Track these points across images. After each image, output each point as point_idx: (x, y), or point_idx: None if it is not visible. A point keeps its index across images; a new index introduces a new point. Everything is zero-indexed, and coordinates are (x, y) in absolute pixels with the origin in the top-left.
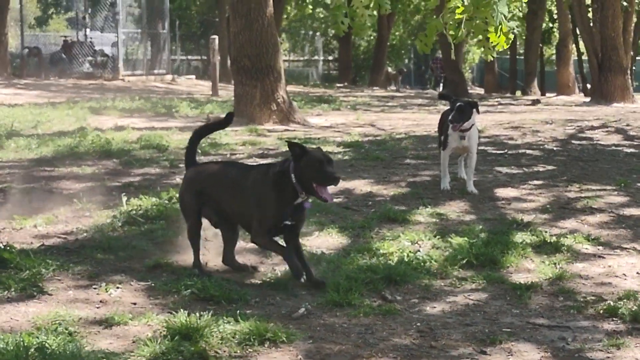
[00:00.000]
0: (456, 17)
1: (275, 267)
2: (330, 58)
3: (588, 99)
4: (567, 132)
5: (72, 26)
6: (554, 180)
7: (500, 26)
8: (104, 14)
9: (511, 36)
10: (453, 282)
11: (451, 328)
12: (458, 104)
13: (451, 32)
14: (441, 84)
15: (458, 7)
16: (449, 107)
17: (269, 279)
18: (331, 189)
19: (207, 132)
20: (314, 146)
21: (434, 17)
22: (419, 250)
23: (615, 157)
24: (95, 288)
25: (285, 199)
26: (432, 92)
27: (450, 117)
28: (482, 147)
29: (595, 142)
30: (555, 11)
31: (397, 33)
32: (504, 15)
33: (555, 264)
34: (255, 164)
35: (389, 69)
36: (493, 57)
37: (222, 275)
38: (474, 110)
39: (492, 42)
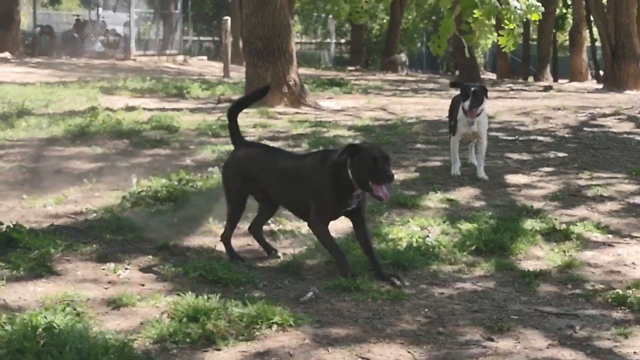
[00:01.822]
0: (474, 20)
1: (284, 250)
2: (343, 41)
3: (601, 86)
4: (578, 119)
5: (84, 5)
6: (564, 168)
7: (512, 29)
8: None
9: (518, 39)
10: (462, 268)
11: (459, 314)
12: (473, 89)
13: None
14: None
15: (475, 11)
16: (459, 93)
17: (277, 262)
18: None
19: (243, 106)
20: (324, 129)
21: (446, 17)
22: (428, 236)
23: (626, 145)
24: (103, 269)
25: (342, 192)
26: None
27: (468, 103)
28: (493, 133)
29: (607, 129)
30: None
31: (409, 17)
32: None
33: (564, 251)
34: (305, 153)
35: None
36: (510, 50)
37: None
38: (485, 95)
39: (500, 44)
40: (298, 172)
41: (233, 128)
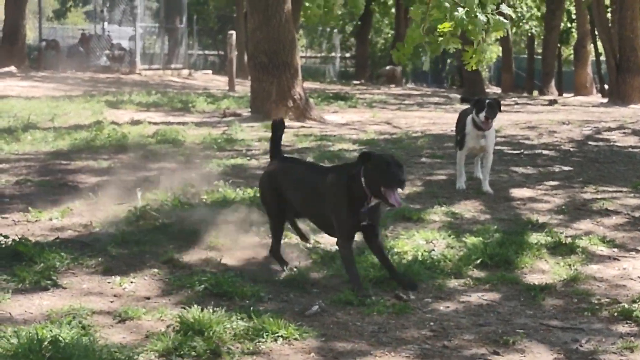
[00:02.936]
0: (442, 31)
1: (291, 263)
2: (348, 55)
3: (605, 100)
4: (583, 133)
5: (90, 19)
6: (569, 181)
7: (478, 46)
8: (122, 7)
9: (485, 57)
10: (467, 282)
11: (464, 328)
12: (488, 101)
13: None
14: None
15: (443, 22)
16: (467, 107)
17: (283, 275)
18: None
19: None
20: (330, 143)
21: (414, 27)
22: (433, 250)
23: (631, 159)
24: (109, 282)
25: (356, 202)
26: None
27: (484, 114)
28: (498, 147)
29: (612, 143)
30: (574, 11)
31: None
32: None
33: (569, 265)
34: (329, 165)
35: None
36: (473, 68)
37: (236, 271)
38: (499, 108)
39: (462, 59)
40: (318, 187)
41: (275, 141)
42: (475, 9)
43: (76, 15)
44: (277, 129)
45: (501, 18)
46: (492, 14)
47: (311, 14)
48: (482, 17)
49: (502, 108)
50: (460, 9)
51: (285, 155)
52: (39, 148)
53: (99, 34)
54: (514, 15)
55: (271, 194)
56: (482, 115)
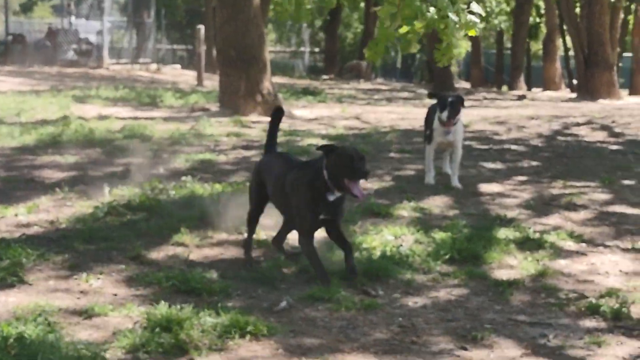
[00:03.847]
0: (414, 30)
1: (257, 260)
2: (317, 50)
3: (574, 95)
4: (552, 128)
5: (57, 13)
6: (538, 176)
7: (449, 44)
8: (90, 1)
9: (456, 52)
10: (435, 278)
11: (432, 323)
12: (450, 99)
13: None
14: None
15: (415, 21)
16: (435, 102)
17: (251, 271)
18: None
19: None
20: (298, 138)
21: (384, 25)
22: (401, 245)
23: (600, 154)
24: (76, 278)
25: (318, 196)
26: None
27: (446, 114)
28: (467, 142)
29: (580, 138)
30: (543, 6)
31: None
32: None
33: (538, 260)
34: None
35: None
36: (444, 65)
37: (203, 267)
38: (462, 105)
39: (434, 57)
40: (285, 182)
41: (271, 133)
42: (446, 9)
43: (43, 9)
44: (275, 119)
45: (472, 17)
46: (463, 13)
47: (282, 9)
48: (453, 17)
49: (471, 103)
50: (431, 9)
51: (277, 150)
52: (4, 143)
53: (66, 28)
54: (484, 14)
55: (255, 185)
56: (444, 114)
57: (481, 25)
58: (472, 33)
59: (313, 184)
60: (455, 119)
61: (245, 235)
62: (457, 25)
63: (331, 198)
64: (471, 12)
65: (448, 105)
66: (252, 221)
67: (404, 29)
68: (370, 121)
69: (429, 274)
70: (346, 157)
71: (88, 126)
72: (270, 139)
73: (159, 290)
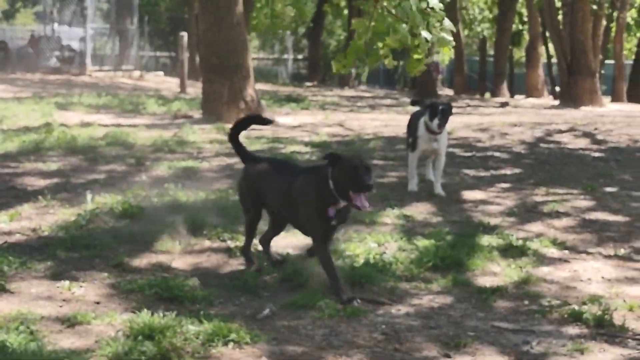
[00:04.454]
0: (385, 46)
1: (241, 267)
2: (300, 57)
3: (557, 102)
4: (535, 135)
5: (39, 20)
6: (521, 184)
7: (419, 56)
8: (72, 8)
9: (422, 66)
10: (418, 285)
11: (416, 331)
12: (441, 107)
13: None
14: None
15: (387, 37)
16: (418, 109)
17: (234, 279)
18: None
19: (241, 128)
20: (281, 145)
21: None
22: (385, 252)
23: (582, 161)
24: (58, 286)
25: (324, 205)
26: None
27: (437, 122)
28: (450, 149)
29: (563, 145)
30: (526, 13)
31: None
32: (427, 40)
33: (520, 267)
34: (306, 166)
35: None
36: (415, 75)
37: (186, 275)
38: (451, 113)
39: (407, 70)
40: (291, 189)
41: (238, 148)
42: (418, 27)
43: (25, 16)
44: (233, 138)
45: (445, 35)
46: (435, 30)
47: (258, 22)
48: (425, 35)
49: (454, 110)
50: (404, 25)
51: (256, 155)
52: None
53: (48, 35)
54: (455, 30)
55: (249, 195)
56: (435, 122)
57: (453, 43)
58: (445, 51)
59: (321, 192)
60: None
61: (243, 242)
62: (429, 42)
63: (337, 208)
64: (443, 30)
65: (439, 113)
66: (251, 228)
67: (376, 45)
68: (353, 128)
69: (412, 281)
70: (351, 168)
71: (70, 133)
72: (243, 151)
73: (142, 298)
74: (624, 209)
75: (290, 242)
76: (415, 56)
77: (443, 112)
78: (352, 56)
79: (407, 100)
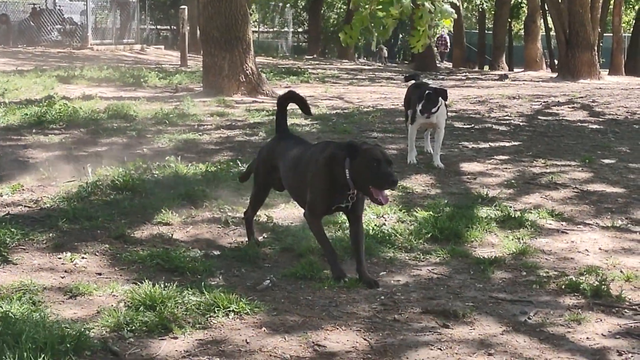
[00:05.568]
0: (389, 16)
1: (241, 238)
2: (300, 30)
3: (555, 75)
4: (533, 108)
5: None
6: (519, 156)
7: (424, 31)
8: None
9: (427, 41)
10: (417, 256)
11: (415, 301)
12: (427, 92)
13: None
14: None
15: (391, 7)
16: (415, 82)
17: (234, 250)
18: None
19: (293, 100)
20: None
21: (362, 10)
22: (384, 224)
23: (580, 133)
24: (60, 258)
25: (336, 189)
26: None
27: (420, 108)
28: (449, 122)
29: (561, 118)
30: None
31: (367, 6)
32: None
33: (518, 238)
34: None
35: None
36: (418, 51)
37: (187, 246)
38: (441, 97)
39: (410, 45)
40: (300, 162)
41: (280, 117)
42: None
43: None
44: (282, 104)
45: (447, 7)
46: (438, 2)
47: None
48: (428, 6)
49: (454, 83)
50: None
51: (288, 132)
52: None
53: (50, 9)
54: (458, 3)
55: (263, 166)
56: (419, 108)
57: (455, 16)
58: (447, 23)
59: (333, 174)
60: (432, 110)
61: (244, 214)
62: (432, 14)
63: (352, 199)
64: (447, 2)
65: (424, 98)
66: (257, 203)
67: (380, 14)
68: (353, 101)
69: (411, 252)
70: (372, 162)
71: (72, 106)
72: (281, 122)
73: (143, 269)
74: (622, 181)
75: (291, 213)
76: (419, 28)
77: (428, 97)
78: (357, 27)
79: (406, 72)
